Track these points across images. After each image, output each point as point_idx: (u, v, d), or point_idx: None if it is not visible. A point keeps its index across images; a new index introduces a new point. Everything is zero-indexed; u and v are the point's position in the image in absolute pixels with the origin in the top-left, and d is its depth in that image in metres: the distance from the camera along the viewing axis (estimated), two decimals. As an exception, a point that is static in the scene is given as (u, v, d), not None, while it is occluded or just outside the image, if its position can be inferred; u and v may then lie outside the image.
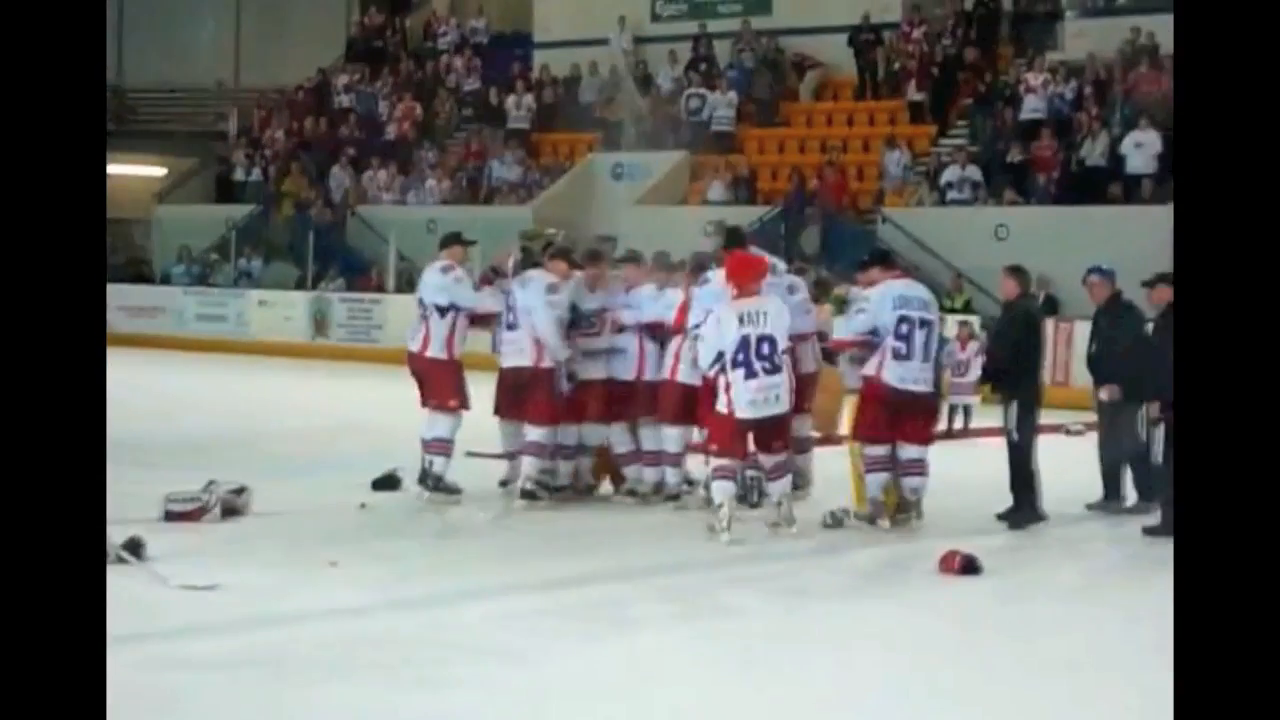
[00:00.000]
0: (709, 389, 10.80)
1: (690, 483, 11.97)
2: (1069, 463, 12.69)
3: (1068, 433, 16.13)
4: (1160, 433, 11.08)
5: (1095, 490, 12.22)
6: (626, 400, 11.98)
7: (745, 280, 10.74)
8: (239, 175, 34.44)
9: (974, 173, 25.68)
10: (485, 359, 12.55)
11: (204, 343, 29.15)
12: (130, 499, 9.49)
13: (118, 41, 38.89)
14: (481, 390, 12.01)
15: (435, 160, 31.92)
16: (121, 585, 7.39)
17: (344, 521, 10.85)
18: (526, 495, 11.69)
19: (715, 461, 10.82)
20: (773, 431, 10.77)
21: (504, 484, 12.25)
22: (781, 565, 9.91)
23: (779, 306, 10.81)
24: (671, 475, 11.92)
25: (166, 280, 32.55)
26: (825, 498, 11.75)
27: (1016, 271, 11.96)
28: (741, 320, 10.47)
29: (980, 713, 6.72)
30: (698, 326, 11.09)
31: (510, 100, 32.25)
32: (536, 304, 11.66)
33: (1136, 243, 21.49)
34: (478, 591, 8.75)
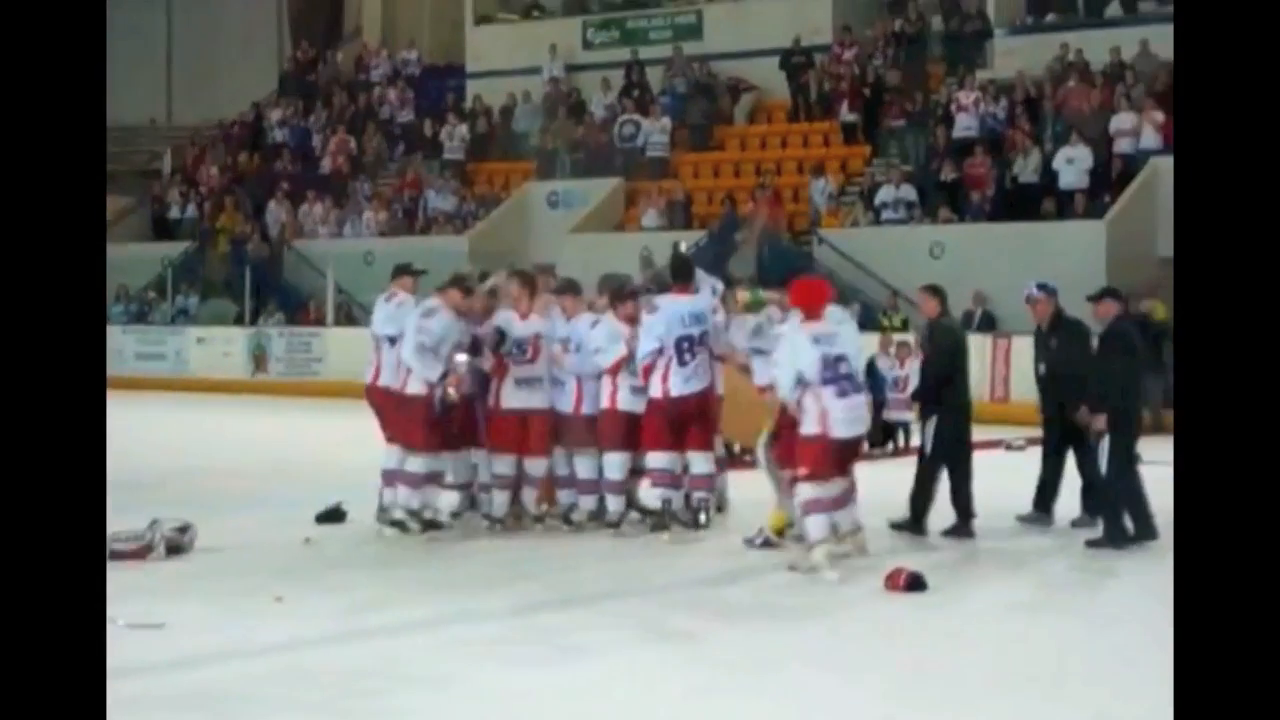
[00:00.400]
0: (788, 420, 10.54)
1: (642, 510, 11.98)
2: (1008, 477, 12.78)
3: (1008, 448, 16.23)
4: (1106, 446, 11.14)
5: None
6: (565, 430, 11.94)
7: (813, 303, 10.71)
8: (174, 213, 34.36)
9: (908, 192, 25.87)
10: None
11: (144, 381, 28.88)
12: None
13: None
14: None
15: (370, 192, 31.88)
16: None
17: (289, 556, 10.81)
18: (396, 525, 11.66)
19: (806, 493, 10.32)
20: (855, 453, 10.79)
21: (455, 515, 12.18)
22: (730, 588, 9.93)
23: (851, 330, 10.87)
24: (612, 502, 11.90)
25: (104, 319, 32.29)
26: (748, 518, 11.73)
27: (934, 290, 12.18)
28: (817, 341, 10.36)
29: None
30: (647, 355, 11.27)
31: (444, 131, 32.29)
32: (409, 327, 11.61)
33: (1071, 257, 21.79)
34: (425, 622, 8.73)
